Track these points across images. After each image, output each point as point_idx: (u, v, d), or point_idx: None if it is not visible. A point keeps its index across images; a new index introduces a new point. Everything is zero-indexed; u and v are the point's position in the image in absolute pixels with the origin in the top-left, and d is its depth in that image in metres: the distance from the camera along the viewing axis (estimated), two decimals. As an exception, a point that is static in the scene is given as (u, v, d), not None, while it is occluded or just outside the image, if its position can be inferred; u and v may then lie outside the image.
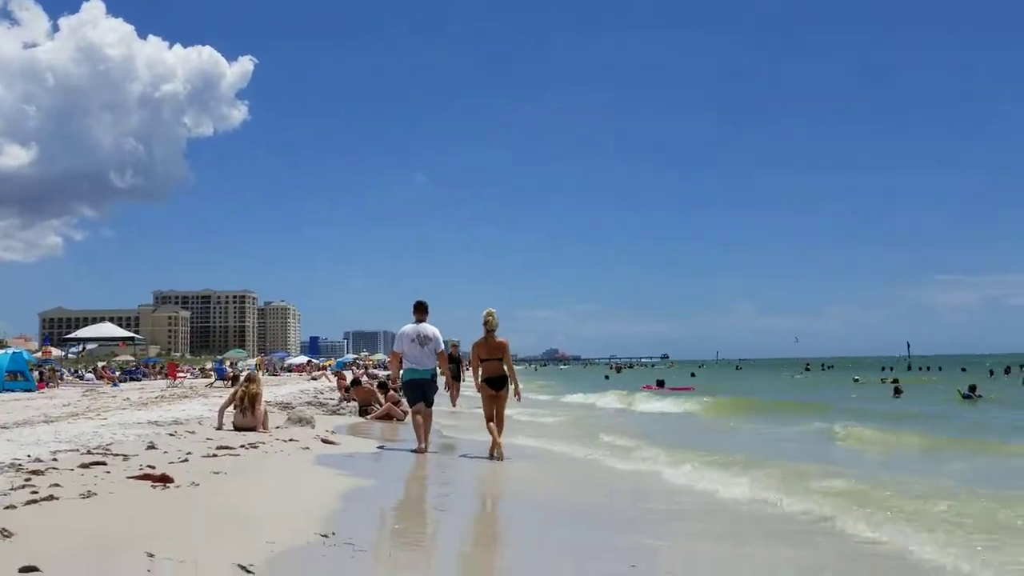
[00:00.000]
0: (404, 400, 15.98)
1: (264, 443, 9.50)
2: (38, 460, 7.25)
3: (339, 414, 15.98)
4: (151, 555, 4.01)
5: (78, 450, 8.16)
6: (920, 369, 58.71)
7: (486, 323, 9.75)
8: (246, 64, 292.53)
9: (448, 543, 5.35)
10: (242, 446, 9.00)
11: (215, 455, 8.13)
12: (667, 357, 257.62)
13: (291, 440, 9.95)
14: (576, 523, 6.15)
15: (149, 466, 7.05)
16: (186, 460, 7.67)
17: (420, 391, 9.97)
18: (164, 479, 6.32)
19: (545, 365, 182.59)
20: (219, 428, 11.09)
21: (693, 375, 53.02)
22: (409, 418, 10.57)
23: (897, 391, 26.61)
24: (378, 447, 10.59)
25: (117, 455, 7.81)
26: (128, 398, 20.10)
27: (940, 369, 60.94)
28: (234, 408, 11.22)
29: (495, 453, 9.43)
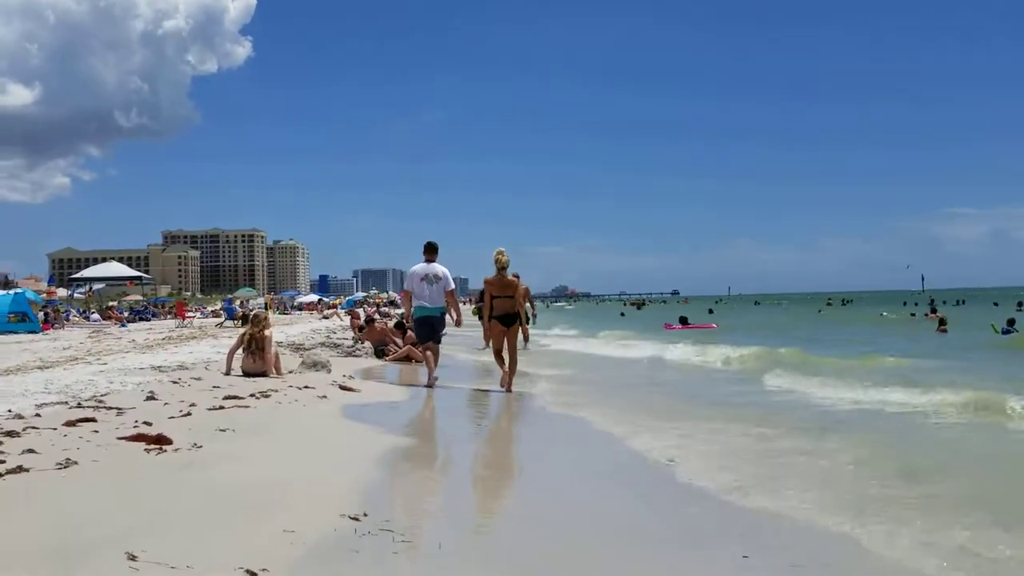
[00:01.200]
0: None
1: (277, 391, 8.56)
2: (18, 416, 6.31)
3: (354, 355, 15.08)
4: (133, 557, 3.05)
5: (67, 403, 7.22)
6: (944, 303, 57.44)
7: (497, 261, 10.06)
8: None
9: (510, 526, 4.37)
10: (252, 395, 8.05)
11: (222, 407, 7.18)
12: (678, 293, 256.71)
13: (306, 387, 9.00)
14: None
15: (146, 423, 6.11)
16: (189, 414, 6.73)
17: (430, 328, 10.32)
18: (160, 440, 5.37)
19: (557, 301, 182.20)
20: (227, 374, 10.16)
21: (711, 311, 51.76)
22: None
23: (942, 326, 25.11)
24: (403, 393, 9.63)
25: (111, 408, 6.87)
26: (134, 340, 19.25)
27: (964, 303, 59.75)
28: (243, 352, 10.28)
29: (507, 383, 9.83)
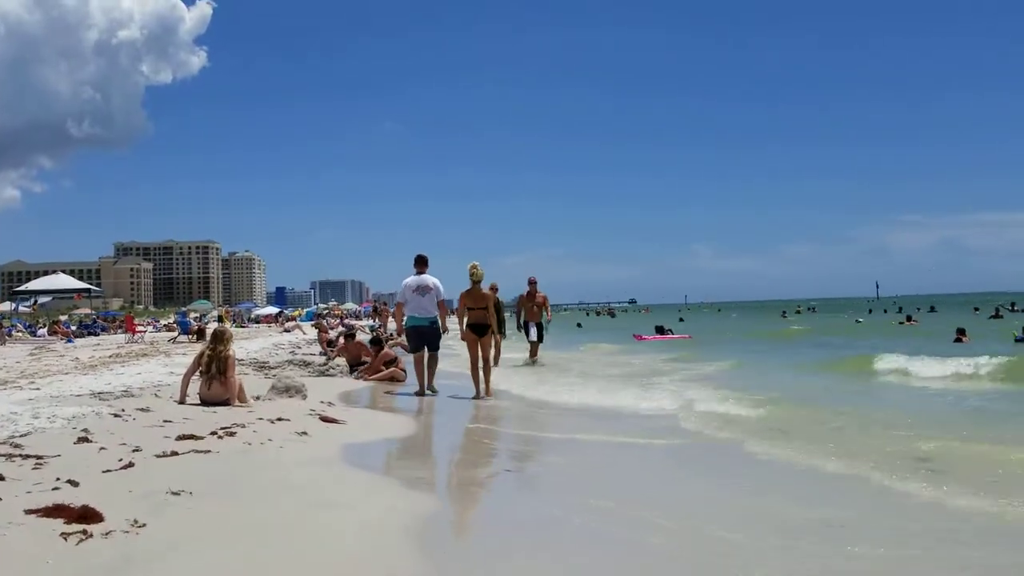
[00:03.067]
0: (400, 357, 13.57)
1: (244, 426, 6.94)
2: None
3: (328, 375, 13.42)
4: None
5: (-29, 449, 5.55)
6: (919, 310, 57.01)
7: (472, 275, 10.75)
8: (204, 8, 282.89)
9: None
10: (214, 433, 6.43)
11: (175, 452, 5.55)
12: (635, 301, 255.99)
13: (280, 419, 7.39)
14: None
15: (70, 481, 4.50)
16: (131, 464, 5.10)
17: (421, 338, 10.74)
18: (86, 516, 3.76)
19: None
20: (181, 402, 8.52)
21: (681, 319, 50.79)
22: (411, 377, 11.21)
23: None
24: (402, 425, 8.04)
25: (27, 457, 5.21)
26: (77, 358, 17.33)
27: (935, 310, 59.46)
28: (199, 375, 8.63)
29: (481, 393, 10.38)
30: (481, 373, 10.46)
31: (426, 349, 10.74)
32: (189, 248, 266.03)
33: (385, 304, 65.97)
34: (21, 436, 6.11)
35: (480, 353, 10.58)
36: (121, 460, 5.25)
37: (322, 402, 8.96)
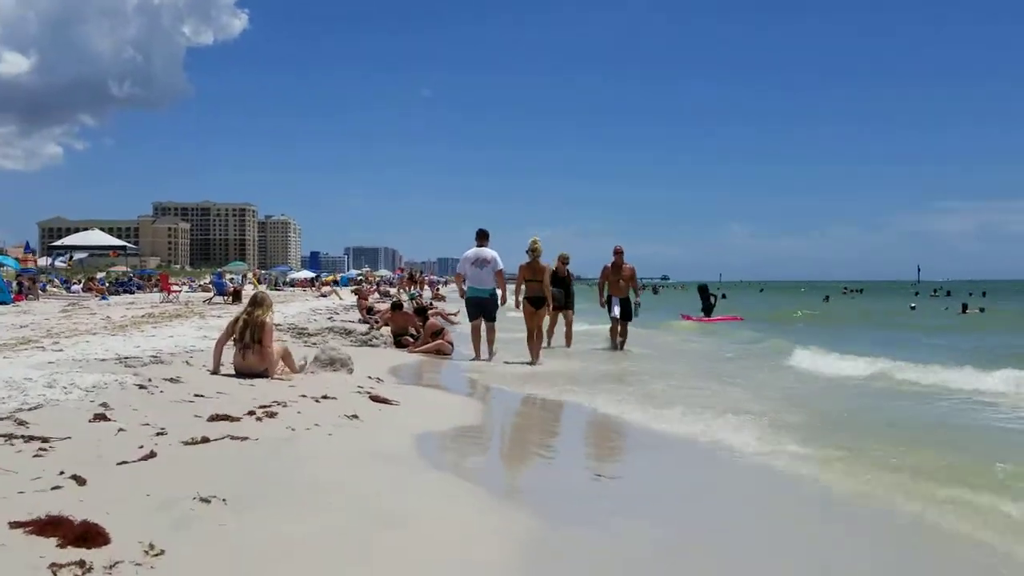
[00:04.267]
0: (446, 327, 12.65)
1: (285, 404, 6.04)
2: None
3: (371, 345, 12.52)
4: None
5: (-33, 425, 4.68)
6: (971, 295, 54.98)
7: (532, 249, 11.37)
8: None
9: None
10: (252, 413, 5.52)
11: (205, 439, 4.64)
12: (667, 278, 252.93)
13: (325, 397, 6.47)
14: None
15: (75, 477, 3.60)
16: (152, 455, 4.19)
17: (479, 307, 11.21)
18: (86, 537, 2.84)
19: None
20: (215, 372, 7.64)
21: (724, 296, 49.24)
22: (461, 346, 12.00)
23: None
24: (470, 409, 7.06)
25: (31, 439, 4.33)
26: (108, 317, 16.63)
27: (985, 295, 57.38)
28: (233, 343, 7.74)
29: (535, 357, 10.97)
30: (535, 343, 11.21)
31: (483, 319, 11.22)
32: (226, 210, 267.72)
33: (421, 272, 65.36)
34: (30, 409, 5.23)
35: (536, 323, 11.33)
36: (142, 447, 4.34)
37: (369, 377, 8.04)
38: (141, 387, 6.44)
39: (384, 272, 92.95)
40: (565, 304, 13.55)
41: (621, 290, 13.80)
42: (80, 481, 3.59)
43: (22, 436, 4.40)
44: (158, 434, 4.71)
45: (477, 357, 11.07)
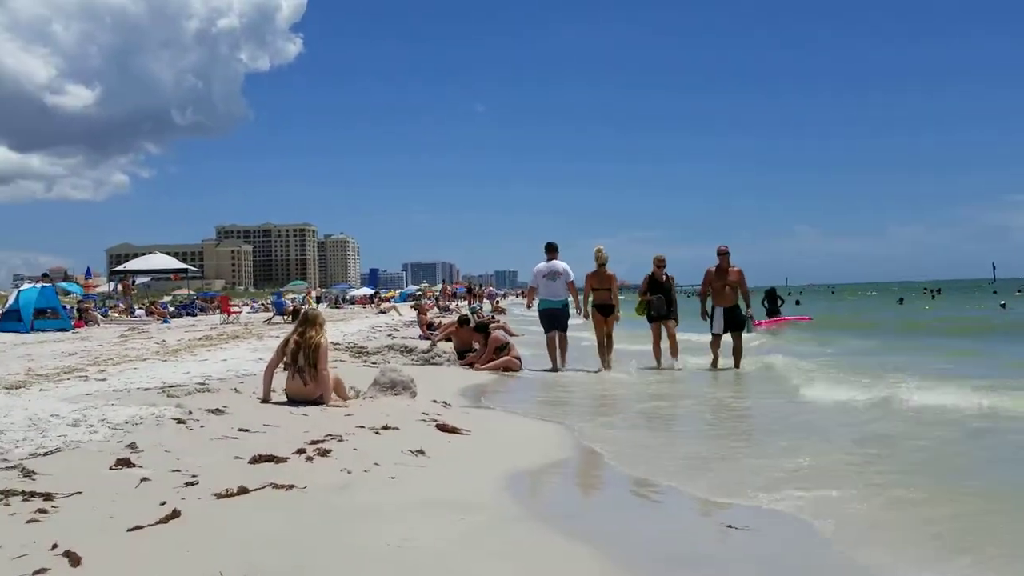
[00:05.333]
0: (513, 344, 11.80)
1: (341, 437, 5.20)
2: None
3: (434, 363, 11.70)
4: None
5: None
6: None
7: (597, 258, 11.46)
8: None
9: None
10: (301, 452, 4.69)
11: (243, 490, 3.80)
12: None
13: (386, 428, 5.63)
14: None
15: (69, 555, 2.79)
16: (175, 515, 3.37)
17: (553, 319, 11.38)
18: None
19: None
20: (265, 400, 6.87)
21: (798, 303, 47.44)
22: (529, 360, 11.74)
23: None
24: (559, 440, 6.05)
25: (32, 496, 3.56)
26: (164, 340, 16.16)
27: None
28: (283, 368, 6.96)
29: (606, 364, 11.20)
30: (605, 349, 11.37)
31: (557, 331, 11.33)
32: (287, 231, 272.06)
33: (480, 285, 64.77)
34: (45, 454, 4.48)
35: (606, 330, 11.39)
36: (164, 503, 3.53)
37: (435, 401, 7.18)
38: (180, 421, 5.67)
39: (447, 286, 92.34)
40: (667, 314, 11.71)
41: (727, 298, 11.59)
42: (74, 560, 2.78)
43: (22, 492, 3.63)
44: (188, 484, 3.91)
45: (554, 367, 11.15)
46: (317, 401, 6.79)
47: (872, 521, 3.83)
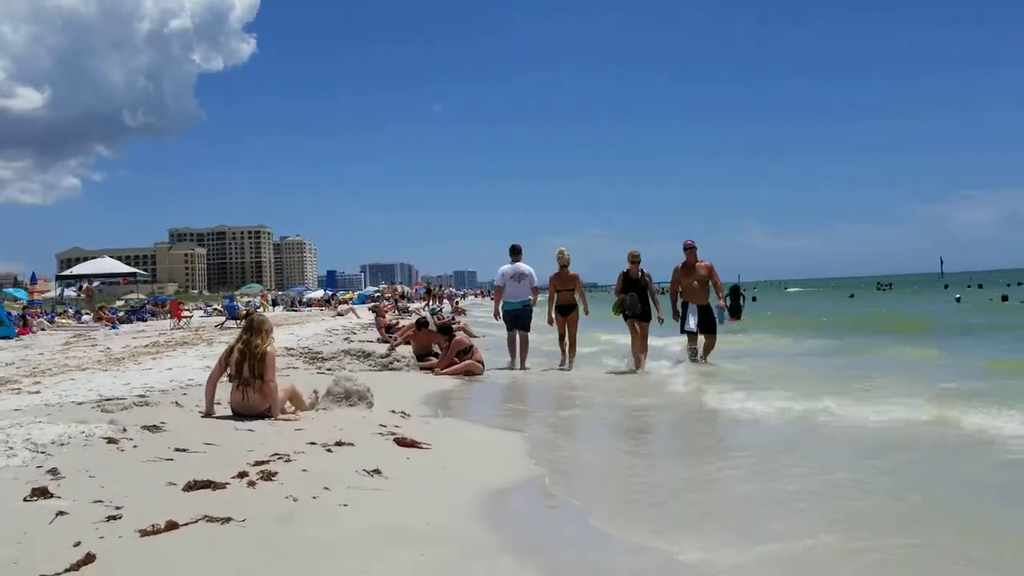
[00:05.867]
0: (475, 346, 11.38)
1: (288, 457, 4.74)
2: None
3: (392, 368, 11.23)
4: None
5: None
6: (1008, 286, 53.12)
7: (559, 260, 11.58)
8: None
9: None
10: (243, 475, 4.23)
11: (172, 525, 3.33)
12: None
13: (340, 444, 5.18)
14: None
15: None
16: (87, 561, 2.89)
17: (517, 318, 11.67)
18: None
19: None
20: (208, 414, 6.37)
21: (755, 299, 47.66)
22: (489, 372, 11.15)
23: None
24: (524, 457, 5.57)
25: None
26: (109, 348, 15.47)
27: (1009, 286, 55.52)
28: (228, 378, 6.47)
29: (566, 365, 11.35)
30: (567, 347, 11.54)
31: (517, 330, 11.68)
32: (241, 233, 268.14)
33: (440, 286, 64.12)
34: (-51, 485, 3.96)
35: (567, 330, 11.52)
36: (79, 544, 3.06)
37: (393, 411, 6.72)
38: (111, 441, 5.16)
39: (403, 288, 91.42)
40: (642, 313, 11.20)
41: (697, 294, 11.40)
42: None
43: (-89, 535, 3.12)
44: (110, 518, 3.43)
45: (513, 365, 11.49)
46: (265, 414, 6.31)
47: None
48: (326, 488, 4.04)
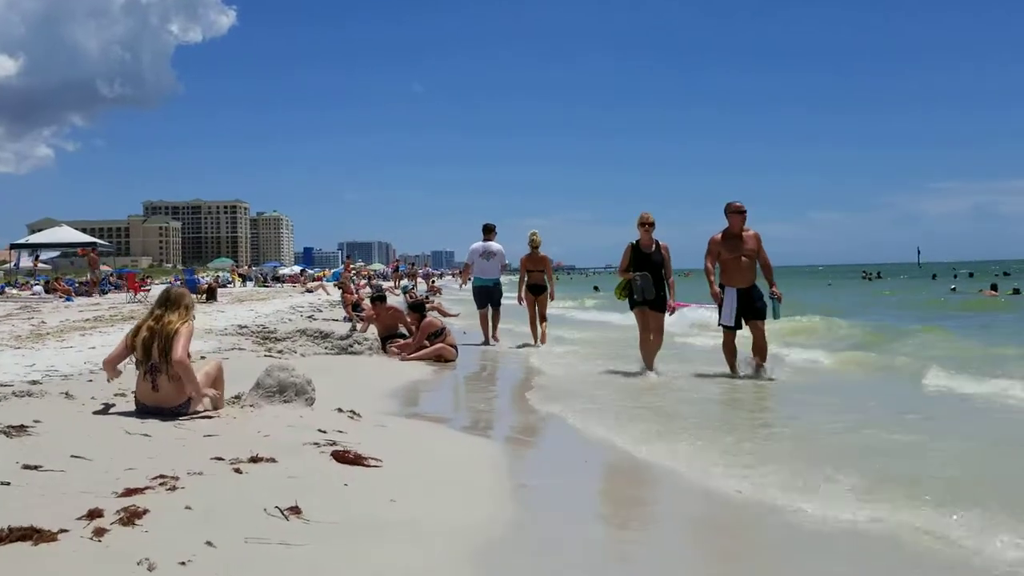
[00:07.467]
0: (448, 329, 10.02)
1: (176, 481, 3.38)
2: None
3: (352, 352, 9.85)
4: None
5: None
6: (996, 276, 52.37)
7: (531, 242, 11.76)
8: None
9: None
10: (90, 515, 2.85)
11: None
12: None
13: (256, 459, 3.81)
14: None
15: None
16: None
17: (487, 296, 11.98)
18: None
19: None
20: (104, 411, 4.98)
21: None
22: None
23: None
24: (496, 455, 4.22)
25: None
26: (44, 322, 13.96)
27: (1009, 275, 54.86)
28: (136, 364, 5.08)
29: (538, 342, 11.52)
30: (538, 326, 11.64)
31: (490, 307, 11.92)
32: (217, 207, 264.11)
33: (413, 264, 62.51)
34: None
35: (537, 310, 11.71)
36: None
37: (340, 410, 5.33)
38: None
39: (378, 266, 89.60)
40: (656, 299, 8.42)
41: (742, 275, 8.25)
42: None
43: None
44: None
45: (486, 341, 11.68)
46: (179, 409, 4.95)
47: None
48: (208, 544, 2.68)
